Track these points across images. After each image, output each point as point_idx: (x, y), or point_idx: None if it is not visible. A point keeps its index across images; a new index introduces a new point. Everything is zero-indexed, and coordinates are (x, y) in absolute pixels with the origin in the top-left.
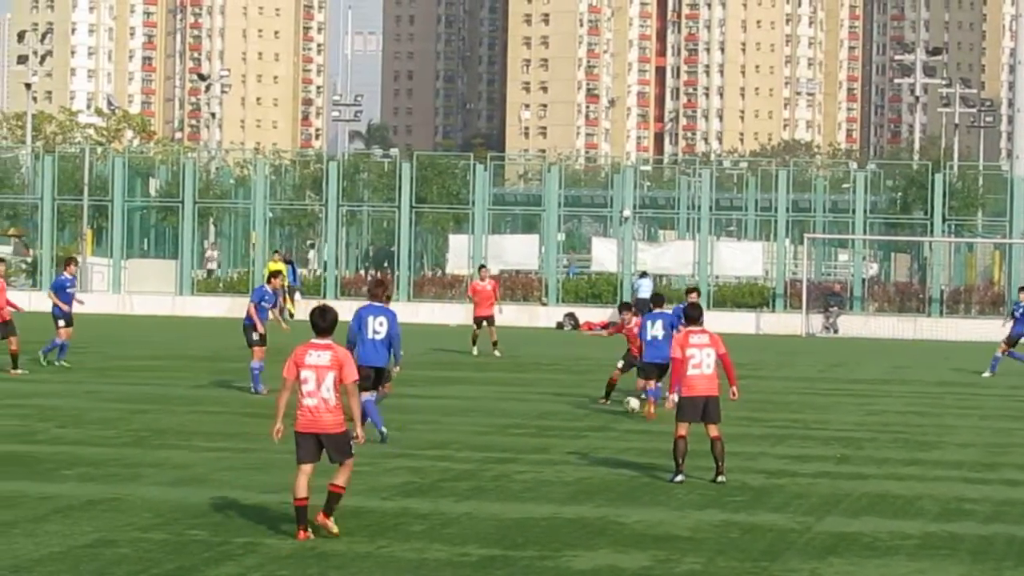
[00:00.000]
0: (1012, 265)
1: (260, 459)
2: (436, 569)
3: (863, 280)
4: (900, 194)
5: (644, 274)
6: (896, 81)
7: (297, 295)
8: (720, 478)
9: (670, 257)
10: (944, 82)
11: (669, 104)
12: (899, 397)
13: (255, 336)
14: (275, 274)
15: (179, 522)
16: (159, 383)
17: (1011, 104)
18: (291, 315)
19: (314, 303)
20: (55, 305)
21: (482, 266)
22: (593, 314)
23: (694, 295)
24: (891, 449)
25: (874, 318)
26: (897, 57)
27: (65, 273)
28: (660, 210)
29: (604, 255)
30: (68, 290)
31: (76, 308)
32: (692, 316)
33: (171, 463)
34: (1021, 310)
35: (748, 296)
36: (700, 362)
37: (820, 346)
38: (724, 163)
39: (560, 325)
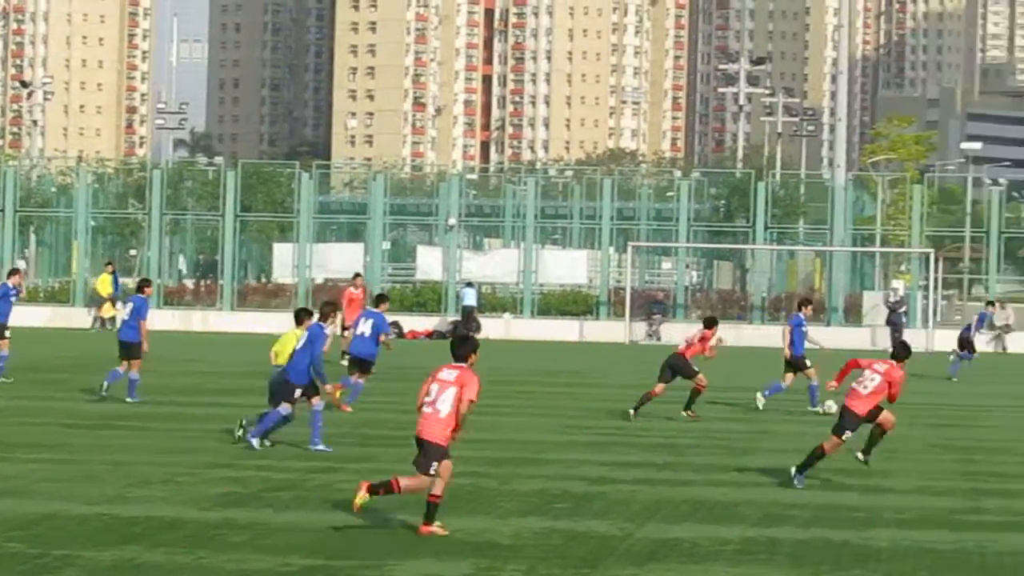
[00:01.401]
0: (832, 273)
1: (82, 471)
2: None
3: (686, 288)
4: (723, 202)
5: (469, 283)
6: (720, 90)
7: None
8: (865, 458)
9: (495, 265)
10: (767, 91)
11: (496, 112)
12: (722, 404)
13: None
14: (148, 282)
15: None
16: None
17: (833, 113)
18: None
19: None
20: None
21: (357, 274)
22: (418, 323)
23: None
24: (712, 455)
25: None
26: (721, 67)
27: (9, 282)
28: (486, 218)
29: (429, 264)
30: (11, 298)
31: None
32: (899, 356)
33: None
34: None
35: (572, 304)
36: (863, 379)
37: (643, 353)
38: (549, 171)
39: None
